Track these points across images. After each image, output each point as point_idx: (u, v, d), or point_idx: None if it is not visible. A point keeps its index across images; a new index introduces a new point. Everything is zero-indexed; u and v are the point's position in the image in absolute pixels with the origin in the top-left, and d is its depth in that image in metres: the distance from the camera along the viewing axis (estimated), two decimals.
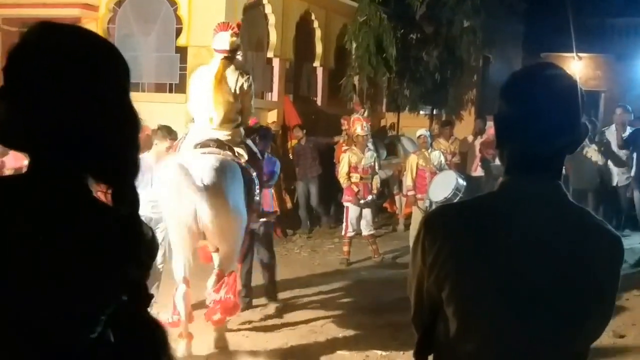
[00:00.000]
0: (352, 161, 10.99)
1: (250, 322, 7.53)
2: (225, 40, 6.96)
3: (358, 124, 11.50)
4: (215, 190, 6.25)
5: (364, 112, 12.60)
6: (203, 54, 12.42)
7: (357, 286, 9.30)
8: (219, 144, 6.75)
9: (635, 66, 18.87)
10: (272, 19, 14.56)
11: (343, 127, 13.19)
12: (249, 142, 7.27)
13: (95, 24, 13.24)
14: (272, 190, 8.54)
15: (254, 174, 6.92)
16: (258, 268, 8.20)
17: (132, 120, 1.52)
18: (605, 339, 6.75)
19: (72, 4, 13.12)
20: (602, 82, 25.51)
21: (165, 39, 13.34)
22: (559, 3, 22.33)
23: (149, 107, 11.60)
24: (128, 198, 1.48)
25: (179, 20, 13.00)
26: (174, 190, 6.18)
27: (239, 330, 7.31)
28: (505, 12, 22.13)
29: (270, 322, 7.64)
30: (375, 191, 11.34)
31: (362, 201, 10.96)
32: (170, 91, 13.46)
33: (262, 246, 8.23)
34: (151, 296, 1.53)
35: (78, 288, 1.39)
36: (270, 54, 14.84)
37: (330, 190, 13.38)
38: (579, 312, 1.78)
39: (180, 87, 13.09)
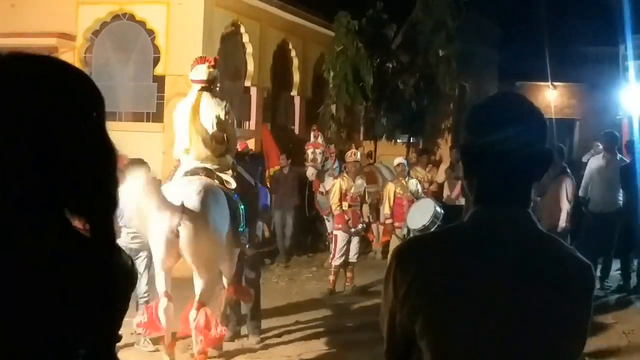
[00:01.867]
0: (342, 188, 11.00)
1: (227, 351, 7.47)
2: (202, 71, 7.08)
3: (309, 150, 11.85)
4: (197, 213, 6.27)
5: (317, 137, 12.81)
6: (180, 83, 12.42)
7: (335, 315, 9.28)
8: (207, 173, 6.82)
9: (609, 94, 19.13)
10: (249, 48, 14.60)
11: (305, 155, 13.26)
12: (242, 170, 7.31)
13: (72, 54, 13.20)
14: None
15: (242, 205, 6.95)
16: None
17: (108, 153, 1.48)
18: None
19: (48, 34, 13.07)
20: (576, 110, 25.87)
21: (142, 68, 13.33)
22: (534, 32, 22.71)
23: (126, 137, 11.55)
24: (105, 231, 1.45)
25: (156, 49, 13.00)
26: (155, 206, 6.15)
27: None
28: (481, 41, 22.48)
29: (247, 352, 7.58)
30: (366, 219, 11.37)
31: (352, 229, 10.96)
32: (148, 120, 13.42)
33: (251, 273, 8.11)
34: (120, 336, 1.51)
35: (53, 324, 1.35)
36: (247, 83, 14.87)
37: (307, 220, 13.38)
38: (554, 341, 1.78)
39: (157, 116, 13.06)
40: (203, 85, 7.04)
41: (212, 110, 6.97)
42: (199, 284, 6.60)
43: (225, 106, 7.11)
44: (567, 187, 9.76)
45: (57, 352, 1.36)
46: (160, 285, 6.56)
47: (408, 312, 1.80)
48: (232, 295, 7.45)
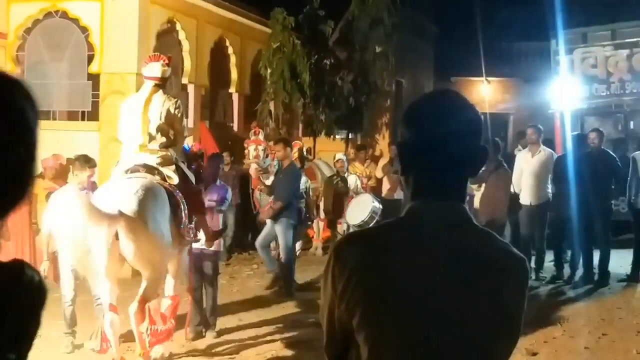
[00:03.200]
0: None
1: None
2: (156, 68, 7.14)
3: (251, 146, 11.90)
4: (134, 217, 6.19)
5: (258, 134, 12.85)
6: (116, 81, 12.28)
7: (276, 311, 9.28)
8: (148, 169, 6.79)
9: (541, 88, 19.52)
10: (186, 45, 14.47)
11: (245, 151, 13.24)
12: (183, 165, 7.26)
13: (3, 52, 12.92)
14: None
15: (183, 199, 6.89)
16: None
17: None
18: (518, 357, 6.93)
19: None
20: (510, 105, 26.32)
21: (76, 66, 13.10)
22: (468, 29, 23.05)
23: (61, 136, 11.38)
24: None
25: (90, 47, 12.78)
26: (90, 220, 6.04)
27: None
28: (417, 37, 22.73)
29: (194, 351, 7.55)
30: (310, 216, 11.42)
31: None
32: (83, 119, 13.19)
33: (207, 276, 8.18)
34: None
35: None
36: (184, 81, 14.75)
37: (247, 218, 13.34)
38: (488, 335, 1.81)
39: (92, 114, 12.86)
40: (157, 82, 7.09)
41: (161, 104, 7.03)
42: (143, 282, 6.54)
43: (176, 102, 7.19)
44: (503, 181, 9.94)
45: None
46: (105, 296, 6.42)
47: (346, 307, 1.82)
48: (176, 304, 7.35)
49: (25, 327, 1.39)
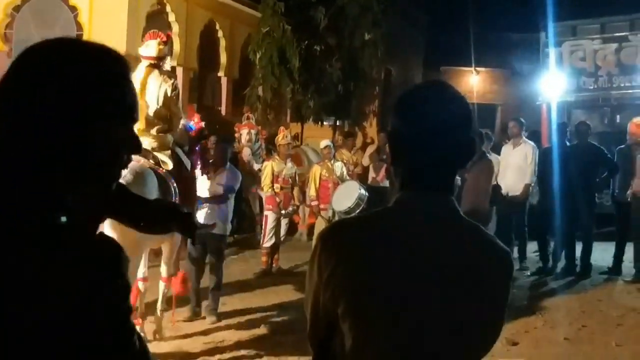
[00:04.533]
0: (274, 170, 11.03)
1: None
2: (152, 47, 7.02)
3: (244, 130, 11.86)
4: None
5: (250, 119, 12.85)
6: None
7: (259, 295, 9.31)
8: (144, 152, 6.72)
9: (529, 80, 19.59)
10: (175, 28, 14.42)
11: (236, 135, 13.23)
12: (179, 151, 7.22)
13: None
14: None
15: (174, 184, 6.87)
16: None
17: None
18: (499, 347, 6.98)
19: None
20: (498, 96, 26.39)
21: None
22: (459, 18, 23.09)
23: None
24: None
25: (79, 26, 12.71)
26: None
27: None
28: (407, 25, 22.71)
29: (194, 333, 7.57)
30: (297, 202, 11.45)
31: (283, 211, 11.04)
32: None
33: (213, 256, 8.32)
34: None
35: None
36: (173, 63, 14.62)
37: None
38: (474, 325, 1.83)
39: None
40: (152, 61, 6.98)
41: (158, 86, 6.92)
42: None
43: (173, 83, 7.06)
44: (485, 171, 9.99)
45: None
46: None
47: (331, 295, 1.83)
48: (168, 286, 7.41)
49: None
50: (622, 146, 11.29)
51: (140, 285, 6.93)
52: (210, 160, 8.57)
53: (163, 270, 7.34)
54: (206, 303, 8.21)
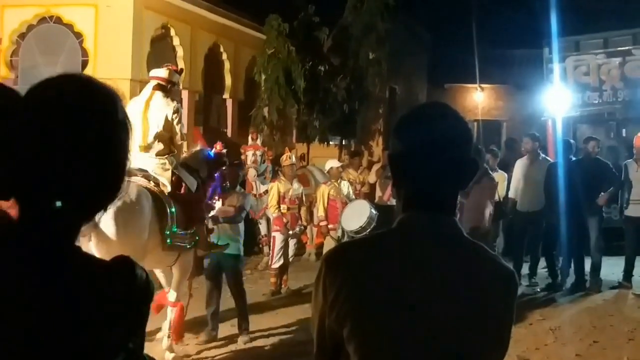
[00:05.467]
0: (280, 190, 11.05)
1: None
2: (163, 70, 7.22)
3: (249, 152, 11.92)
4: (106, 224, 6.13)
5: (256, 139, 12.92)
6: None
7: (268, 316, 9.29)
8: (145, 175, 6.78)
9: (534, 96, 19.58)
10: (180, 51, 14.48)
11: (242, 156, 13.27)
12: (183, 173, 7.25)
13: None
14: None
15: (172, 208, 6.88)
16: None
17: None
18: None
19: None
20: (503, 112, 26.41)
21: (70, 71, 13.05)
22: (462, 35, 23.11)
23: None
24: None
25: (84, 52, 12.78)
26: None
27: None
28: (411, 44, 22.78)
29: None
30: (305, 222, 11.46)
31: (290, 232, 11.04)
32: None
33: (230, 281, 8.39)
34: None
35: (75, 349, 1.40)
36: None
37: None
38: (480, 346, 1.83)
39: None
40: (160, 82, 7.10)
41: (160, 109, 7.01)
42: None
43: (175, 107, 7.15)
44: (488, 189, 9.98)
45: None
46: None
47: (336, 317, 1.84)
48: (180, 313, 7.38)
49: (139, 321, 1.53)
50: (630, 160, 11.29)
51: None
52: (223, 184, 8.64)
53: (172, 295, 7.31)
54: (209, 327, 8.17)
